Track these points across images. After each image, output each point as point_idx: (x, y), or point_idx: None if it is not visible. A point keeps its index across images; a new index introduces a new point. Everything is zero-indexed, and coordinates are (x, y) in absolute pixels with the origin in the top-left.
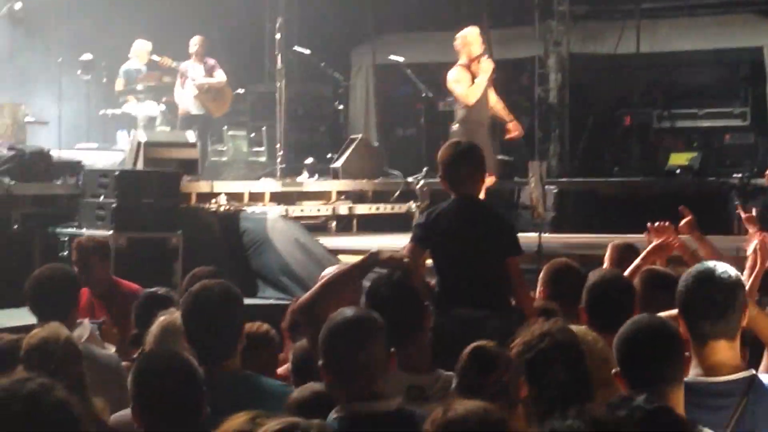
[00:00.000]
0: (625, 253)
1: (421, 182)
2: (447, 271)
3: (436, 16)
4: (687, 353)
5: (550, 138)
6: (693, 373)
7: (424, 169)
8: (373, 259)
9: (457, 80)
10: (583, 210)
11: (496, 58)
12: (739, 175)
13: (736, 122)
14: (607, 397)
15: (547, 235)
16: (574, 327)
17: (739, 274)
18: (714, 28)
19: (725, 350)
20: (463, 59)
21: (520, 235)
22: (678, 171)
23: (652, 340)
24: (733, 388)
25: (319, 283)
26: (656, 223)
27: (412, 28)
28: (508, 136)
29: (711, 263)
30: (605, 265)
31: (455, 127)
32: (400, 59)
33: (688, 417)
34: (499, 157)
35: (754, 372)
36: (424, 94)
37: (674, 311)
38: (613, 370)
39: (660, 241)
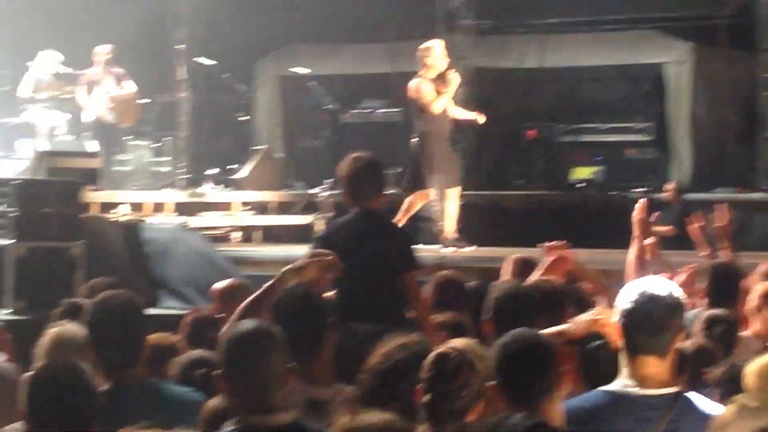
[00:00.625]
0: (524, 267)
1: (325, 194)
2: (345, 285)
3: (341, 27)
4: (564, 367)
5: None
6: (622, 384)
7: (328, 181)
8: (288, 275)
9: (420, 91)
10: (488, 223)
11: (401, 71)
12: (641, 189)
13: (638, 137)
14: (491, 412)
15: (454, 248)
16: (463, 341)
17: (681, 296)
18: (617, 44)
19: (655, 365)
20: (427, 71)
21: (422, 248)
22: (581, 185)
23: (526, 354)
24: (659, 401)
25: (242, 305)
26: (552, 242)
27: (317, 39)
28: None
29: (657, 280)
30: (504, 278)
31: (415, 139)
32: (305, 71)
33: (615, 427)
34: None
35: (680, 388)
36: (328, 106)
37: (559, 327)
38: (490, 383)
39: (552, 259)
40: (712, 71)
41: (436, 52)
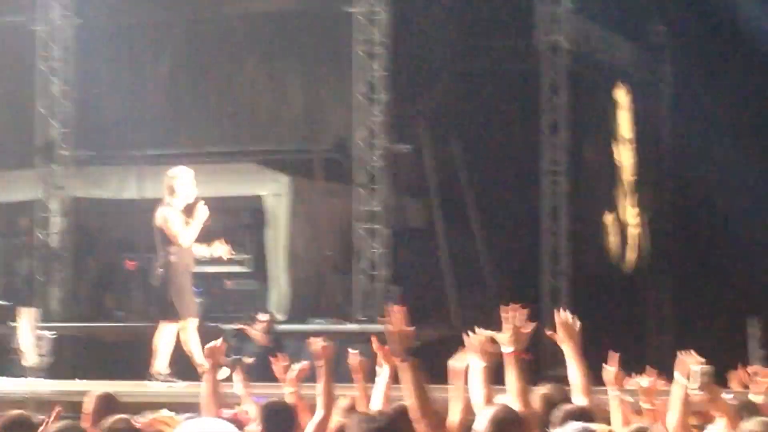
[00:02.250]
0: (104, 402)
1: None
2: None
3: None
4: None
5: (52, 282)
6: None
7: None
8: None
9: (168, 220)
10: (84, 355)
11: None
12: (238, 322)
13: (237, 268)
14: None
15: (42, 380)
16: None
17: None
18: (217, 176)
19: None
20: (173, 198)
21: (10, 380)
22: None
23: None
24: None
25: None
26: None
27: None
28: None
29: (215, 421)
30: (85, 413)
31: (160, 271)
32: None
33: None
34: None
35: None
36: None
37: None
38: None
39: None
40: (309, 204)
41: (184, 179)
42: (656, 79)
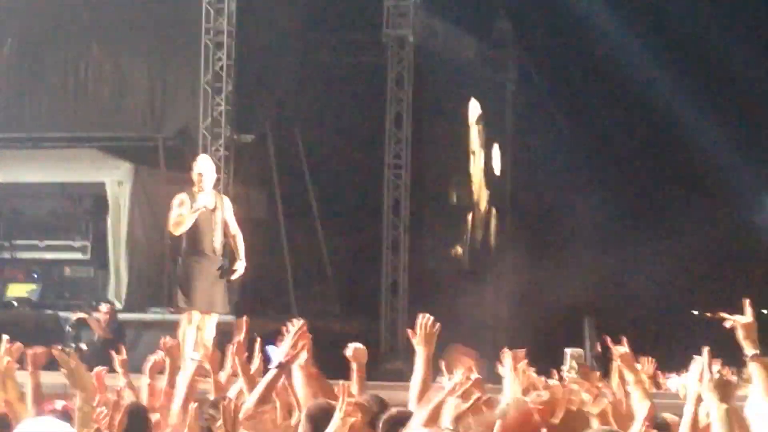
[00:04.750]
0: None
1: None
2: None
3: None
4: None
5: None
6: None
7: None
8: None
9: (170, 206)
10: None
11: None
12: (79, 311)
13: (76, 255)
14: None
15: None
16: None
17: None
18: (58, 161)
19: None
20: (198, 194)
21: None
22: (15, 303)
23: None
24: None
25: None
26: None
27: None
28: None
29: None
30: None
31: (180, 260)
32: None
33: None
34: None
35: None
36: None
37: None
38: None
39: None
40: (151, 192)
41: (199, 165)
42: (500, 75)
